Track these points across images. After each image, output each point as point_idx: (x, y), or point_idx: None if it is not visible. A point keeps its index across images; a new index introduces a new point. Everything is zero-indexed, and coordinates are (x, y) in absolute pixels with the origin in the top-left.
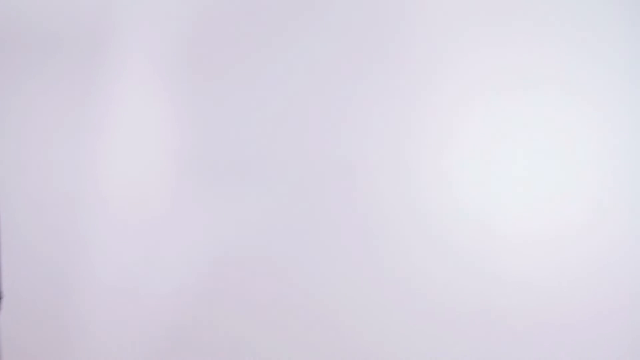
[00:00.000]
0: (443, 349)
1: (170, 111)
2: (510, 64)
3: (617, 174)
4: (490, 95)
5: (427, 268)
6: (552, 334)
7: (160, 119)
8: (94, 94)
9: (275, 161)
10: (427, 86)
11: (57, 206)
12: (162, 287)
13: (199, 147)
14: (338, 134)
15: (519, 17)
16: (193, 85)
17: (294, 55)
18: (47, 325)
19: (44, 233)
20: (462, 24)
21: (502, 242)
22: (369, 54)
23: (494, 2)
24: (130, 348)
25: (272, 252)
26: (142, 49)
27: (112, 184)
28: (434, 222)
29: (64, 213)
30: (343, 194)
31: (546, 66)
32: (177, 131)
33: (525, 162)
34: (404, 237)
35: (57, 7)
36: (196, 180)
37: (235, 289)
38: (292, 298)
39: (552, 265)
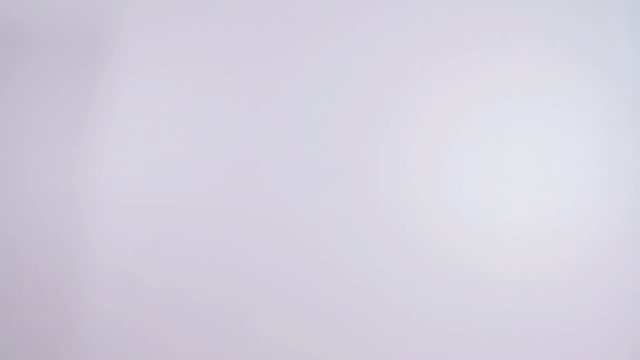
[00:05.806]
0: (443, 351)
1: (171, 111)
2: (509, 72)
3: (616, 176)
4: (491, 101)
5: (427, 268)
6: (552, 335)
7: (161, 119)
8: (95, 94)
9: (276, 161)
10: (432, 92)
11: (57, 206)
12: (162, 287)
13: (201, 146)
14: (340, 135)
15: (518, 29)
16: (194, 85)
17: (297, 56)
18: (47, 325)
19: (44, 233)
20: (464, 36)
21: (501, 242)
22: (375, 60)
23: (496, 16)
24: (131, 347)
25: (275, 249)
26: (143, 48)
27: (112, 183)
28: (434, 223)
29: (64, 213)
30: (344, 194)
31: (543, 73)
32: (178, 131)
33: (525, 163)
34: (403, 237)
35: (58, 7)
36: (197, 180)
37: (236, 291)
38: (293, 299)
39: (552, 265)
